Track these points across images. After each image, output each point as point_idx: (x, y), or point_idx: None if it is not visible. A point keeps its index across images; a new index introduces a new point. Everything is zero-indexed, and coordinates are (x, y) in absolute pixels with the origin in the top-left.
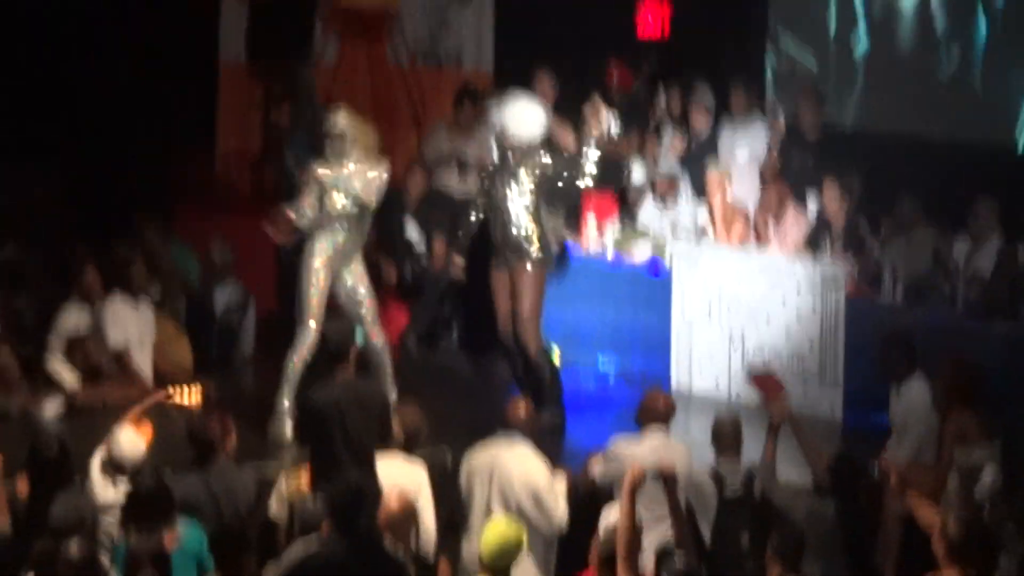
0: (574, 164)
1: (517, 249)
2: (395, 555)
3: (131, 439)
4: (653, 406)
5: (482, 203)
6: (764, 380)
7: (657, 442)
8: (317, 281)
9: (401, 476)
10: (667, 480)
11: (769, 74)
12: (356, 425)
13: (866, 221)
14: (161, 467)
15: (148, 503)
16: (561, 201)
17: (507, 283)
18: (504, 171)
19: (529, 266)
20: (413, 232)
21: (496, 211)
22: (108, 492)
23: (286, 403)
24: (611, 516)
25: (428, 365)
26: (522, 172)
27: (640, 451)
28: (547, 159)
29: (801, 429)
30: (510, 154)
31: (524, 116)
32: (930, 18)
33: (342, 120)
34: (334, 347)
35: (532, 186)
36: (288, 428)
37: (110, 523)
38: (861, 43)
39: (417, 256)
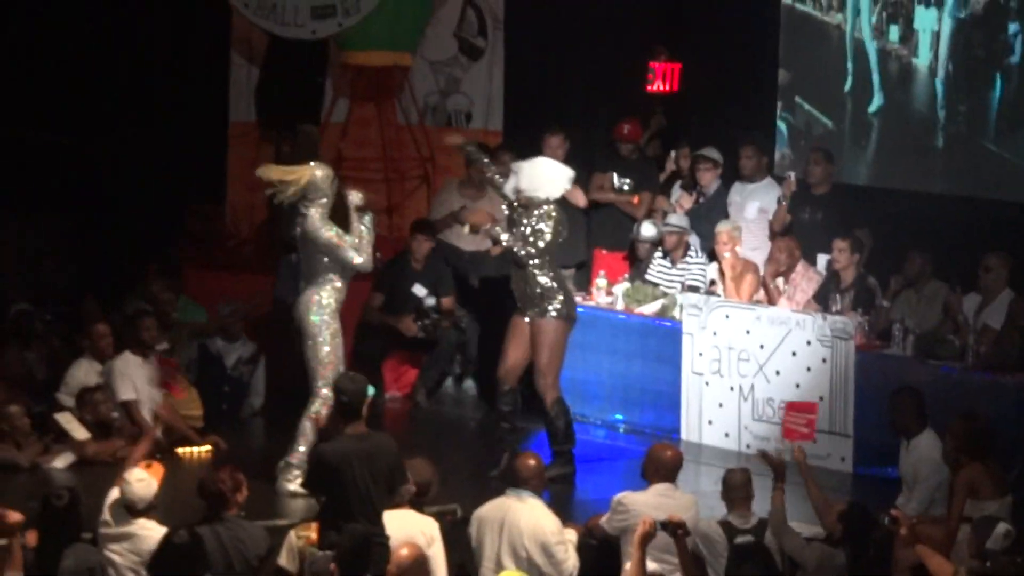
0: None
1: (539, 304)
2: None
3: (143, 479)
4: (659, 459)
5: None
6: (797, 416)
7: (663, 494)
8: (335, 341)
9: (413, 529)
10: (677, 531)
11: (784, 130)
12: (366, 479)
13: (876, 276)
14: (195, 529)
15: (180, 561)
16: (571, 257)
17: (524, 332)
18: (523, 228)
19: (551, 319)
20: (420, 289)
21: (517, 266)
22: (117, 524)
23: (299, 458)
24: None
25: (437, 418)
26: (541, 229)
27: (646, 503)
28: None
29: (812, 477)
30: (528, 211)
31: (545, 175)
32: (944, 75)
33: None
34: (348, 402)
35: (549, 243)
36: (298, 482)
37: (116, 551)
38: (875, 100)
39: (425, 311)
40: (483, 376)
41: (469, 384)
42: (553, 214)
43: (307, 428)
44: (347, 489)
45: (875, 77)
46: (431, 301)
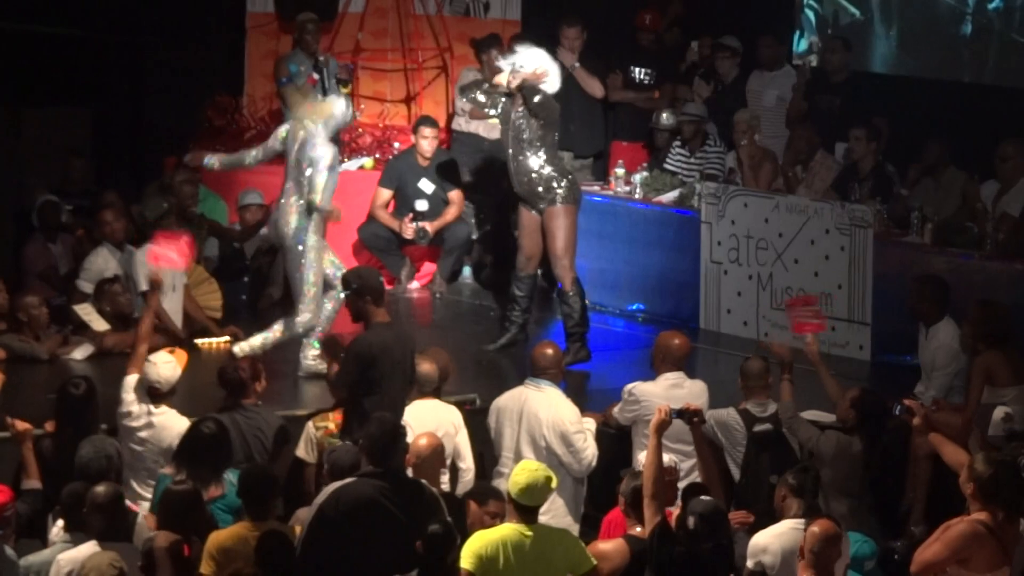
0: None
1: (545, 195)
2: (428, 489)
3: (168, 361)
4: (667, 347)
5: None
6: (803, 310)
7: (673, 382)
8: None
9: (443, 419)
10: (692, 419)
11: (812, 19)
12: (399, 366)
13: (894, 164)
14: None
15: (207, 450)
16: (587, 147)
17: (534, 222)
18: (518, 119)
19: (560, 206)
20: (427, 184)
21: (517, 158)
22: (139, 410)
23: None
24: (641, 457)
25: (455, 308)
26: (534, 119)
27: (656, 392)
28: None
29: (826, 370)
30: (521, 102)
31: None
32: None
33: None
34: (374, 291)
35: (542, 130)
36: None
37: (137, 440)
38: None
39: (420, 215)
40: (501, 264)
41: (488, 274)
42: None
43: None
44: (384, 379)
45: None
46: (423, 205)
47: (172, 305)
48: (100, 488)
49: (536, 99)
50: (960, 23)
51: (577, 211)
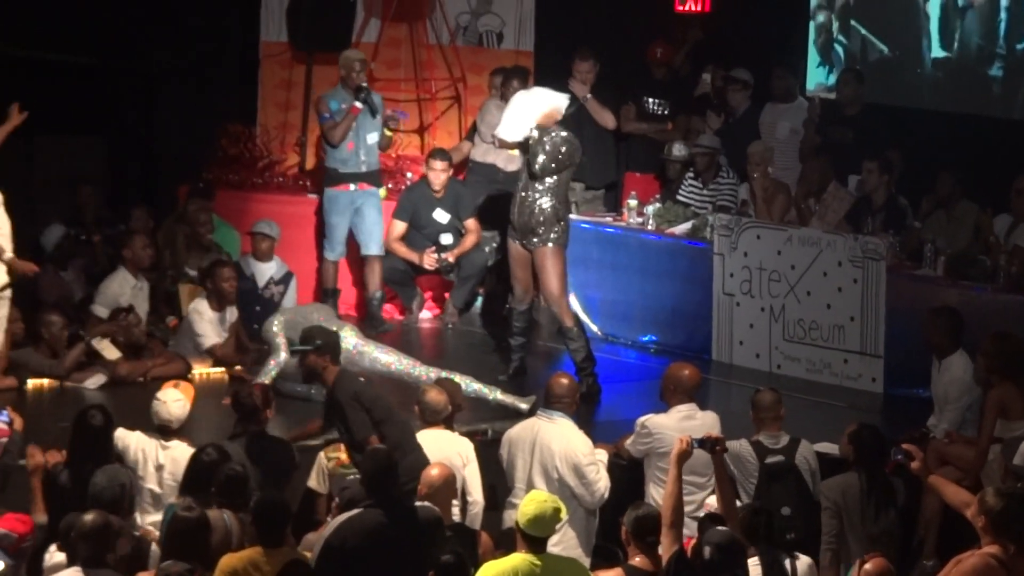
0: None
1: (539, 232)
2: (429, 513)
3: (178, 399)
4: (677, 378)
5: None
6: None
7: (686, 414)
8: None
9: (450, 449)
10: (715, 447)
11: (841, 53)
12: (383, 404)
13: (907, 196)
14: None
15: (210, 477)
16: (599, 179)
17: (524, 256)
18: (539, 151)
19: (550, 247)
20: (441, 215)
21: (528, 188)
22: (150, 447)
23: None
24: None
25: (468, 338)
26: (542, 154)
27: (669, 425)
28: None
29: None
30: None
31: (513, 117)
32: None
33: None
34: (335, 350)
35: (554, 169)
36: None
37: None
38: (932, 27)
39: (442, 247)
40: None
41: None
42: (560, 138)
43: None
44: (383, 420)
45: (933, 4)
46: (448, 239)
47: None
48: (88, 516)
49: (556, 150)
50: (990, 61)
51: (565, 253)
